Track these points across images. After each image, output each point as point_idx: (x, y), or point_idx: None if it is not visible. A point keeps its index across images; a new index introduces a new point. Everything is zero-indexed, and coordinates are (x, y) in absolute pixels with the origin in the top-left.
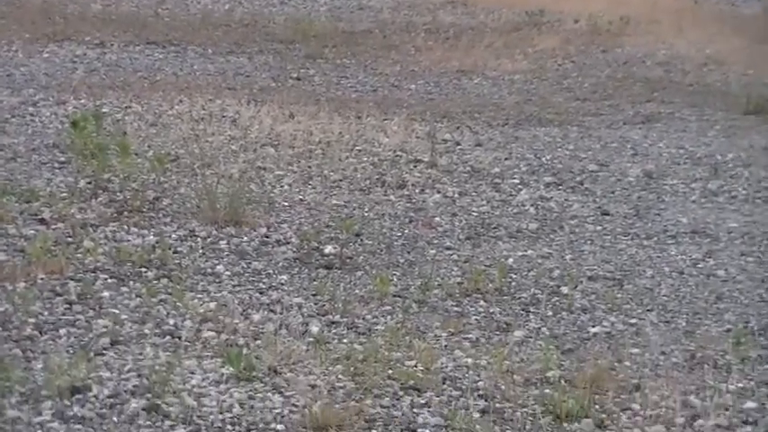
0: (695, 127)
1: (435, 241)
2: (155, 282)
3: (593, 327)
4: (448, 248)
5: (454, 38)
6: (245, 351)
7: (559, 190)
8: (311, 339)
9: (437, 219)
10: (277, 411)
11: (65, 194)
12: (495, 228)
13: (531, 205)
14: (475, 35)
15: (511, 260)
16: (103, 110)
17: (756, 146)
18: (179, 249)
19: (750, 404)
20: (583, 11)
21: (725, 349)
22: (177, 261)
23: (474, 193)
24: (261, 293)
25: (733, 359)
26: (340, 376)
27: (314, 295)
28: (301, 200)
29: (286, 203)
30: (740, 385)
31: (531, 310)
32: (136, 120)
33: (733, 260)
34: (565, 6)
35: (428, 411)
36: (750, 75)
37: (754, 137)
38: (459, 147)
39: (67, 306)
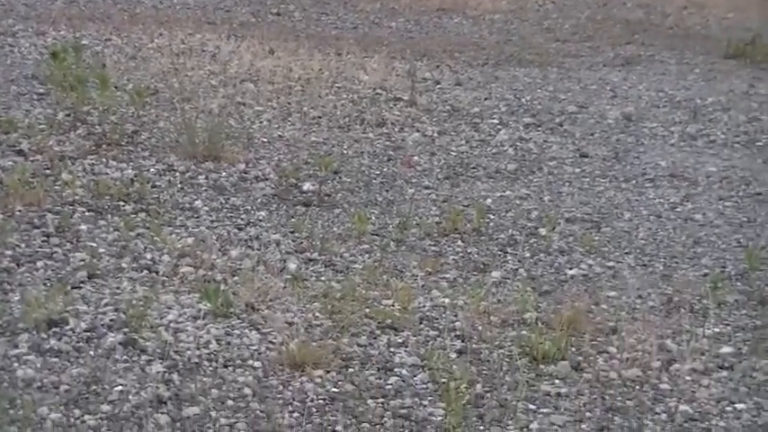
0: (675, 70)
1: (414, 180)
2: (133, 216)
3: (571, 269)
4: (426, 188)
5: None
6: (222, 287)
7: (538, 131)
8: (289, 276)
9: (416, 158)
10: (254, 348)
11: (43, 126)
12: (473, 168)
13: (510, 146)
14: None
15: (489, 200)
16: (83, 42)
17: (736, 90)
18: (157, 183)
19: (726, 349)
20: None
21: (702, 293)
22: (155, 195)
23: (453, 133)
24: (239, 229)
25: (710, 303)
26: (317, 314)
27: (292, 232)
28: (280, 136)
29: (265, 139)
30: (717, 330)
31: (509, 251)
32: (115, 52)
33: (711, 204)
34: None
35: (405, 351)
36: (730, 18)
37: (733, 81)
38: (438, 86)
39: (45, 239)
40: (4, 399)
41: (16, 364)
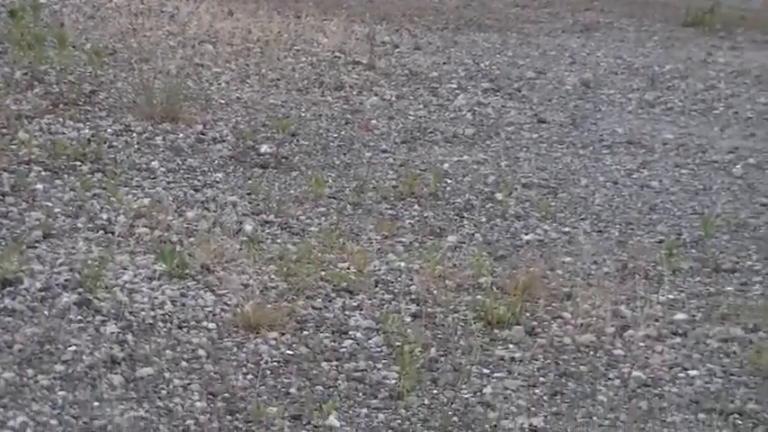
0: (633, 37)
1: (371, 144)
2: (89, 176)
3: (527, 234)
4: (384, 151)
5: None
6: (178, 248)
7: (497, 96)
8: (245, 238)
9: (374, 121)
10: (209, 310)
11: (0, 85)
12: (431, 132)
13: (468, 111)
14: None
15: (446, 165)
16: (41, 1)
17: (694, 58)
18: (114, 144)
19: (680, 316)
20: None
21: (657, 260)
22: (112, 156)
23: (411, 97)
24: (195, 191)
25: (664, 270)
26: (272, 276)
27: (248, 194)
28: (238, 98)
29: (223, 101)
30: (671, 297)
31: (465, 216)
32: (74, 12)
33: (667, 171)
34: None
35: (360, 314)
36: None
37: (691, 49)
38: (397, 50)
39: (0, 198)
40: None
41: None
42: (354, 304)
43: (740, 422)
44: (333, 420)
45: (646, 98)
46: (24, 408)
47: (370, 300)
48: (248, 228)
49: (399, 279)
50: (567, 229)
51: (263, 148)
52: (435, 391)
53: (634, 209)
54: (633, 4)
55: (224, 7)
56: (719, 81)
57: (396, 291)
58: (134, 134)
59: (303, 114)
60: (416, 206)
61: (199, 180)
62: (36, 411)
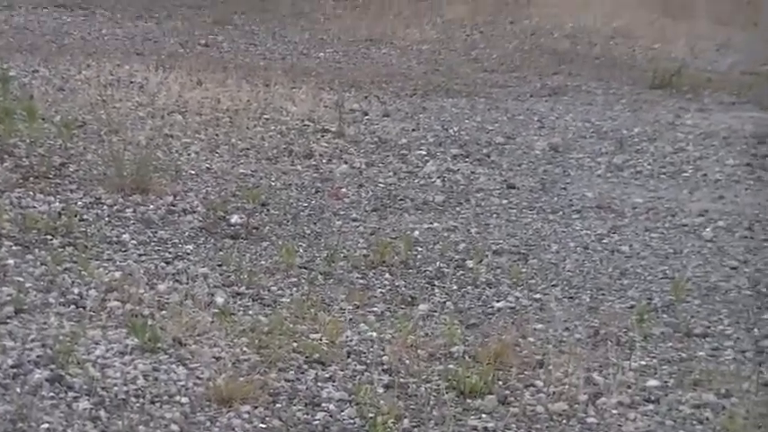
0: (601, 100)
1: (342, 212)
2: (60, 249)
3: (498, 301)
4: (354, 220)
5: (363, 6)
6: (150, 322)
7: (466, 162)
8: (216, 310)
9: (344, 189)
10: (181, 384)
11: None
12: (401, 199)
13: (438, 177)
14: (384, 3)
15: (417, 233)
16: (10, 73)
17: (662, 120)
18: (85, 217)
19: (653, 382)
20: None
21: (628, 326)
22: (83, 229)
23: (381, 164)
24: (166, 263)
25: (636, 336)
26: (245, 348)
27: (219, 266)
28: (208, 168)
29: (193, 172)
30: (643, 363)
31: (437, 284)
32: (43, 84)
33: (637, 236)
34: None
35: (332, 385)
36: (656, 48)
37: (659, 111)
38: (366, 117)
39: None
40: None
41: None
42: (327, 376)
43: None
44: None
45: (614, 162)
46: None
47: (342, 371)
48: (220, 300)
49: (371, 349)
50: (538, 296)
51: (234, 219)
52: None
53: (605, 274)
54: (601, 67)
55: (193, 77)
56: (688, 143)
57: (368, 361)
58: (105, 206)
59: (273, 183)
60: (387, 275)
61: (170, 252)
62: None
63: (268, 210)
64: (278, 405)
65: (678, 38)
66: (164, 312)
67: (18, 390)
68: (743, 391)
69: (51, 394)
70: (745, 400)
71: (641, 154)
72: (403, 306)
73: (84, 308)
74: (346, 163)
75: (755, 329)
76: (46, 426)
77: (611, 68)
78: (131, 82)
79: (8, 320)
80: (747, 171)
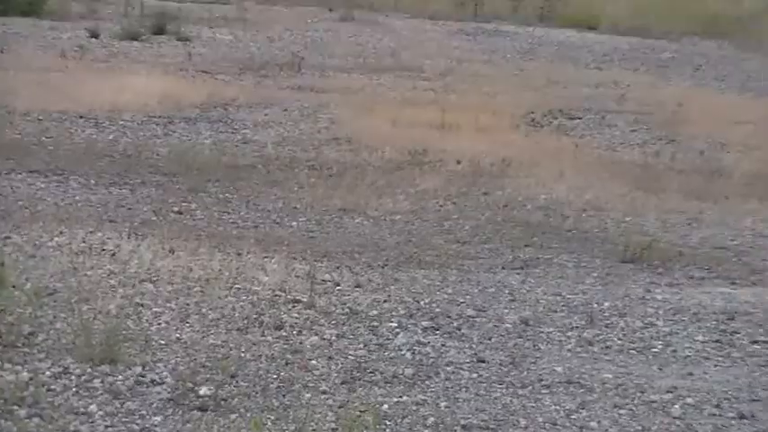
0: (573, 274)
1: (311, 384)
2: (26, 420)
3: None
4: (323, 392)
5: (337, 175)
6: None
7: (436, 335)
8: None
9: (313, 362)
10: None
11: None
12: (371, 372)
13: (408, 350)
14: (358, 173)
15: (386, 406)
16: None
17: (632, 295)
18: (52, 387)
19: None
20: (466, 152)
21: None
22: (50, 399)
23: (351, 336)
24: None
25: None
26: None
27: None
28: (178, 338)
29: (163, 342)
30: None
31: None
32: (15, 251)
33: (606, 412)
34: (448, 146)
35: None
36: (628, 221)
37: (630, 285)
38: (338, 287)
39: None
40: None
41: None
42: None
43: None
44: None
45: (584, 336)
46: None
47: None
48: None
49: None
50: None
51: (203, 390)
52: None
53: None
54: (572, 240)
55: (165, 245)
56: (658, 318)
57: None
58: (73, 376)
59: (243, 355)
60: None
61: (137, 424)
62: None
63: (237, 381)
64: None
65: (649, 211)
66: None
67: None
68: None
69: None
70: None
71: (611, 329)
72: None
73: None
74: (316, 334)
75: None
76: None
77: (582, 241)
78: (103, 249)
79: None
80: (717, 347)
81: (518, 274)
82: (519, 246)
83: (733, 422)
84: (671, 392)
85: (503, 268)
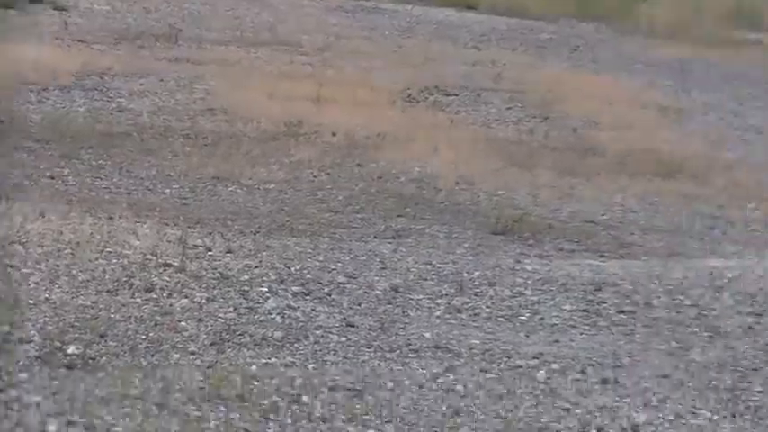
0: (444, 244)
1: (180, 345)
2: None
3: None
4: (192, 353)
5: (212, 144)
6: None
7: (307, 300)
8: None
9: (183, 323)
10: None
11: None
12: (240, 334)
13: (278, 314)
14: (233, 143)
15: (254, 367)
16: None
17: (502, 265)
18: None
19: None
20: (341, 125)
21: None
22: None
23: (222, 300)
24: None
25: None
26: None
27: (54, 394)
28: (47, 299)
29: (31, 302)
30: None
31: (271, 417)
32: None
33: (473, 376)
34: (324, 119)
35: None
36: (500, 195)
37: (501, 256)
38: (209, 253)
39: None
40: None
41: None
42: None
43: None
44: None
45: (453, 303)
46: None
47: None
48: (52, 428)
49: None
50: (371, 431)
51: (71, 349)
52: None
53: (438, 412)
54: (445, 212)
55: (35, 209)
56: (526, 288)
57: None
58: None
59: (112, 315)
60: (222, 408)
61: (2, 380)
62: None
63: (106, 341)
64: None
65: (522, 186)
66: None
67: None
68: None
69: None
70: None
71: (480, 297)
72: None
73: None
74: (187, 297)
75: None
76: None
77: (455, 214)
78: None
79: None
80: (583, 316)
81: (390, 243)
82: (392, 216)
83: (596, 386)
84: (537, 358)
85: (375, 237)
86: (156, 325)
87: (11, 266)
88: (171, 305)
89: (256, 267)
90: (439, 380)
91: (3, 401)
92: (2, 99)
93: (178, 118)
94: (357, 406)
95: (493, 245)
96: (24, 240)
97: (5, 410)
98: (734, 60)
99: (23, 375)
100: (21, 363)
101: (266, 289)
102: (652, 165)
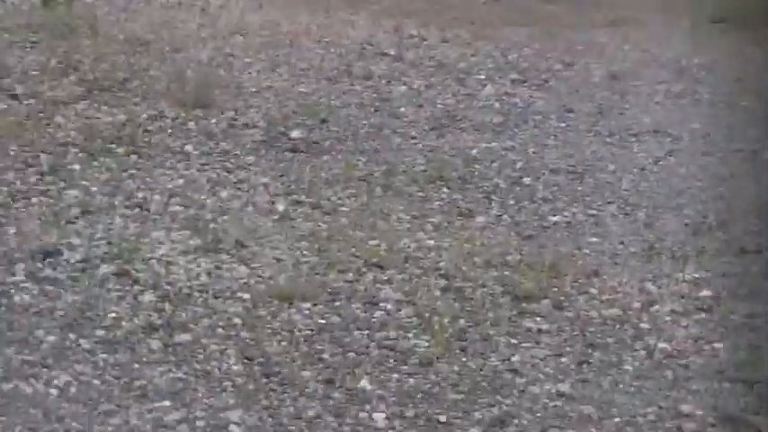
0: (662, 32)
1: (401, 130)
2: (125, 157)
3: (554, 216)
4: (413, 138)
5: None
6: (211, 225)
7: (524, 87)
8: (277, 217)
9: (402, 109)
10: (243, 281)
11: (36, 72)
12: (459, 120)
13: (496, 100)
14: None
15: (475, 151)
16: None
17: (721, 53)
18: (149, 128)
19: (705, 293)
20: None
21: (683, 241)
22: (147, 139)
23: (439, 87)
24: (228, 172)
25: (690, 250)
26: (305, 252)
27: (280, 176)
28: (269, 86)
29: (254, 89)
30: (696, 275)
31: (494, 198)
32: (106, 4)
33: (694, 159)
34: None
35: (390, 287)
36: None
37: (719, 44)
38: (425, 42)
39: (39, 177)
40: (2, 321)
41: (13, 291)
42: (385, 278)
43: None
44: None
45: (673, 90)
46: (68, 368)
47: (400, 274)
48: (280, 207)
49: (429, 255)
50: (593, 212)
51: (294, 134)
52: (464, 359)
53: (661, 193)
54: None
55: (254, 1)
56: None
57: (425, 267)
58: (168, 119)
59: (333, 102)
60: (445, 189)
61: (231, 162)
62: (79, 372)
63: (328, 126)
64: (337, 303)
65: None
66: (225, 217)
67: (86, 282)
68: None
69: (117, 287)
70: None
71: (699, 83)
72: (460, 218)
73: (148, 210)
74: (405, 84)
75: None
76: (113, 315)
77: (672, 1)
78: (193, 5)
79: (75, 220)
80: None
81: (606, 31)
82: (608, 5)
83: None
84: (759, 142)
85: (591, 26)
86: (376, 111)
87: (232, 56)
88: (390, 92)
89: (473, 56)
90: (660, 163)
91: (232, 182)
92: None
93: None
94: (579, 188)
95: (711, 32)
96: (244, 31)
97: (236, 190)
98: None
99: (251, 158)
100: (248, 146)
101: (483, 77)
102: None
